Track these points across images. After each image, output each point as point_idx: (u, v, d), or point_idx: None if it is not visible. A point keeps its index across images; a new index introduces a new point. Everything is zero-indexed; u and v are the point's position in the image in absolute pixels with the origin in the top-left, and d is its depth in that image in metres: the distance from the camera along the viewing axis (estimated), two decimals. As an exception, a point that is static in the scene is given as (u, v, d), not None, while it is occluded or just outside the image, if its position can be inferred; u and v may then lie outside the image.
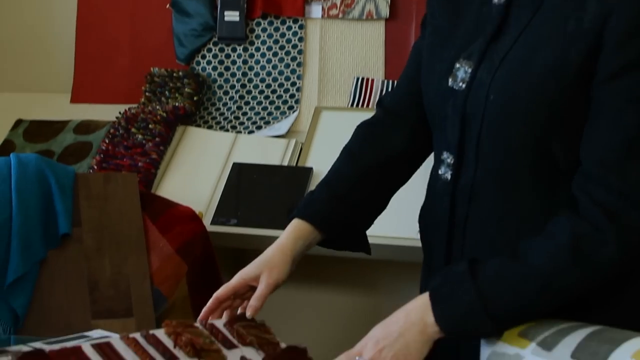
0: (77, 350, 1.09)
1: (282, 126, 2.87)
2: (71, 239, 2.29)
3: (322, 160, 2.70)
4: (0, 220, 2.19)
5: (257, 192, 2.65)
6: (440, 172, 1.43)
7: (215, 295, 1.52)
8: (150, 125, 2.78)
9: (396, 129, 1.61)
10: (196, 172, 2.76)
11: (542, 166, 1.29)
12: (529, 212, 1.31)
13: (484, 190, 1.37)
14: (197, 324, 1.41)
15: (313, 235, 1.57)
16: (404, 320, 1.28)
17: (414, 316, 1.28)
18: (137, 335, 1.17)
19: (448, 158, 1.40)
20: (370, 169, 1.60)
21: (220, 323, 1.45)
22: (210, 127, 2.93)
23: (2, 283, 2.14)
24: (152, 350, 1.17)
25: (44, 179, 2.29)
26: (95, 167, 2.72)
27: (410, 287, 2.82)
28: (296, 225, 1.56)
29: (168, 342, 1.25)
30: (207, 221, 2.53)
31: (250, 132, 2.89)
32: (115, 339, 1.15)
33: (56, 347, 1.07)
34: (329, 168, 2.66)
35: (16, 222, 2.19)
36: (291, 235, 1.56)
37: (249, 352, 1.33)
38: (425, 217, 1.57)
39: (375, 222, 1.69)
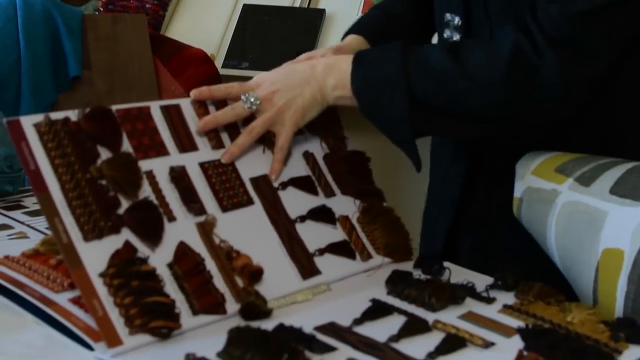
0: (145, 112, 1.05)
1: (294, -35, 2.76)
2: (81, 81, 2.24)
3: (334, 2, 2.62)
4: (9, 62, 2.13)
5: (268, 35, 2.57)
6: (445, 35, 1.35)
7: None
8: (157, -35, 2.68)
9: None
10: (205, 14, 2.68)
11: None
12: None
13: None
14: None
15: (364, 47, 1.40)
16: (310, 72, 1.20)
17: (320, 72, 1.19)
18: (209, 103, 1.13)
19: (453, 20, 1.31)
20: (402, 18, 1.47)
21: None
22: (218, -33, 2.82)
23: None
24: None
25: (51, 19, 2.21)
26: (102, 9, 2.63)
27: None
28: (350, 41, 1.40)
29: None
30: (217, 64, 2.47)
31: (261, -29, 2.78)
32: (184, 102, 1.11)
33: (124, 106, 1.03)
34: (342, 9, 2.61)
35: (25, 65, 2.14)
36: (347, 47, 1.37)
37: (313, 141, 1.24)
38: None
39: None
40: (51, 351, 0.87)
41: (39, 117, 0.96)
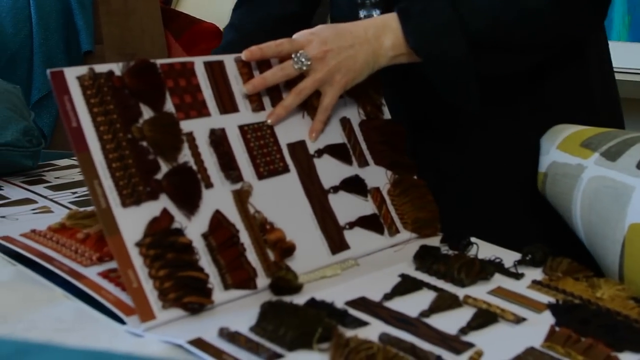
0: (189, 68, 1.02)
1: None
2: (93, 56, 2.23)
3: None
4: (21, 36, 2.12)
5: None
6: (361, 15, 1.34)
7: None
8: (167, -62, 2.66)
9: None
10: (217, -13, 2.66)
11: None
12: None
13: None
14: None
15: None
16: (363, 34, 1.16)
17: (373, 35, 1.16)
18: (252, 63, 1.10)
19: None
20: (256, 34, 1.42)
21: None
22: (229, -59, 2.80)
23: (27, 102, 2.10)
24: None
25: (62, -7, 2.20)
26: (112, -18, 2.61)
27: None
28: None
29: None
30: (230, 39, 2.46)
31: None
32: (228, 59, 1.08)
33: (167, 61, 1.00)
34: None
35: (37, 39, 2.13)
36: None
37: (351, 107, 1.20)
38: None
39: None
40: (82, 325, 0.87)
41: (82, 70, 0.93)
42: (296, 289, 0.95)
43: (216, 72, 1.06)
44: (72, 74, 0.92)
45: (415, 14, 1.18)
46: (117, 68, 0.96)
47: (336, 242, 1.06)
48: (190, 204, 0.94)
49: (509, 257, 1.08)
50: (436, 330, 0.88)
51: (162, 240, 0.89)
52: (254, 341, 0.82)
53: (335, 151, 1.15)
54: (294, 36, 1.15)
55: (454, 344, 0.85)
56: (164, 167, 0.95)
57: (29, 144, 1.35)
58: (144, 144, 0.94)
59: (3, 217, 1.17)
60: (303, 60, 1.12)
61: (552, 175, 1.20)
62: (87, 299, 0.91)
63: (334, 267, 1.02)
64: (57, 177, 1.37)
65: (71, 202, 1.23)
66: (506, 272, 1.05)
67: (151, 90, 0.98)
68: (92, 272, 0.95)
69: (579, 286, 1.02)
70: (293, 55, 1.12)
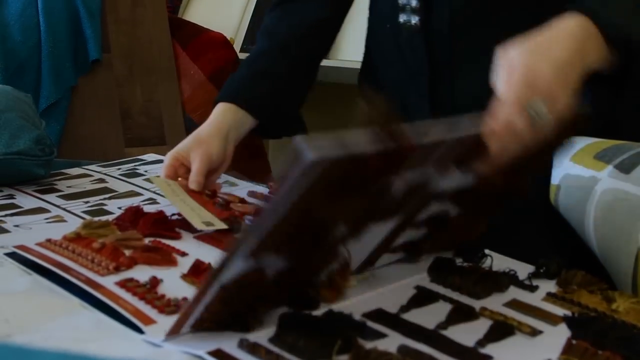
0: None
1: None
2: (101, 65, 2.24)
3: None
4: (30, 45, 2.12)
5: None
6: (401, 20, 1.34)
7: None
8: (174, -53, 2.67)
9: None
10: (223, -3, 2.67)
11: None
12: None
13: (466, 24, 1.28)
14: None
15: (240, 115, 1.40)
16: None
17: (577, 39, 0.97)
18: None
19: (410, 3, 1.30)
20: (288, 41, 1.44)
21: None
22: (235, -50, 2.81)
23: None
24: None
25: (71, 2, 2.20)
26: (119, -9, 2.62)
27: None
28: (221, 109, 1.40)
29: None
30: (236, 48, 2.47)
31: (278, -45, 2.77)
32: None
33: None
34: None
35: (45, 48, 2.13)
36: (219, 117, 1.40)
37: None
38: (389, 74, 1.44)
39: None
40: (101, 335, 0.87)
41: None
42: (315, 303, 0.95)
43: None
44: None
45: (598, 5, 1.00)
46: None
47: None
48: None
49: (523, 270, 1.09)
50: (454, 343, 0.88)
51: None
52: (274, 353, 0.82)
53: None
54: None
55: (472, 356, 0.85)
56: None
57: (41, 153, 1.35)
58: None
59: (17, 226, 1.17)
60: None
61: (565, 187, 1.21)
62: (105, 308, 0.91)
63: (350, 278, 1.02)
64: (69, 186, 1.37)
65: (84, 212, 1.23)
66: (521, 285, 1.05)
67: None
68: (109, 282, 0.95)
69: (594, 299, 1.02)
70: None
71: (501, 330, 0.91)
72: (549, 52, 0.95)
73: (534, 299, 1.01)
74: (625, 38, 0.99)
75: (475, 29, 1.28)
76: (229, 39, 2.37)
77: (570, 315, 0.97)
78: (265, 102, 1.41)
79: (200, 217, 1.15)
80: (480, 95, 0.97)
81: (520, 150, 0.92)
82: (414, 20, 1.31)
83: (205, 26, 2.42)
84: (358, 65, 1.54)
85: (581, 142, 1.23)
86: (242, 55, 2.42)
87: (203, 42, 2.35)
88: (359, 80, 1.54)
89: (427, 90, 1.34)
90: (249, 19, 2.58)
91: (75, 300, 0.94)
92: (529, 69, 0.94)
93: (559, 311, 0.98)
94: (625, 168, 1.15)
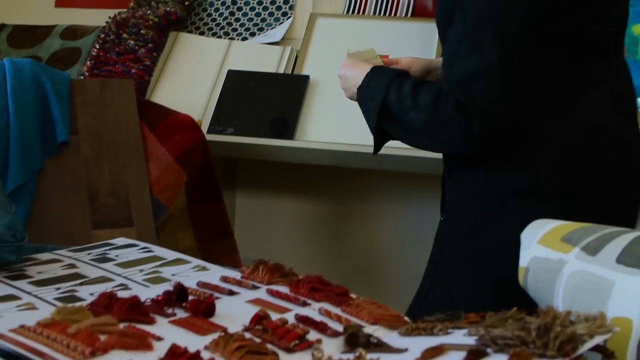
0: None
1: (277, 33, 2.80)
2: (69, 147, 2.24)
3: (318, 68, 2.66)
4: (-2, 127, 2.13)
5: (253, 100, 2.60)
6: None
7: None
8: (142, 31, 2.71)
9: None
10: (190, 79, 2.70)
11: None
12: None
13: None
14: None
15: None
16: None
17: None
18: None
19: None
20: None
21: None
22: (201, 34, 2.86)
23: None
24: None
25: (40, 84, 2.22)
26: (87, 73, 2.64)
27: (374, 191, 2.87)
28: None
29: None
30: (204, 129, 2.49)
31: (244, 38, 2.82)
32: None
33: None
34: (325, 76, 2.64)
35: (14, 130, 2.14)
36: None
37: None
38: None
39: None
40: None
41: None
42: None
43: None
44: None
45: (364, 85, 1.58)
46: None
47: None
48: None
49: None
50: None
51: None
52: None
53: None
54: None
55: None
56: None
57: (13, 239, 1.35)
58: None
59: (-12, 313, 1.16)
60: None
61: (533, 270, 1.23)
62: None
63: None
64: (40, 272, 1.37)
65: (56, 299, 1.23)
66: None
67: None
68: (85, 368, 0.94)
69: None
70: None
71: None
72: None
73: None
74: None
75: None
76: (196, 121, 2.39)
77: None
78: None
79: None
80: None
81: None
82: None
83: (172, 108, 2.44)
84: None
85: (549, 225, 1.25)
86: (210, 137, 2.44)
87: (171, 124, 2.37)
88: None
89: None
90: (216, 101, 2.60)
91: (50, 388, 0.93)
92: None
93: None
94: (591, 250, 1.18)
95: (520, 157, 1.48)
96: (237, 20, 2.87)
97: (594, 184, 1.48)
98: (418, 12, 2.72)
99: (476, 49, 1.41)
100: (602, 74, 1.48)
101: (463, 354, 0.93)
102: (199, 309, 1.14)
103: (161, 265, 1.43)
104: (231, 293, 1.25)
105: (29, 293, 1.26)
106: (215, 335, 1.04)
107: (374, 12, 2.75)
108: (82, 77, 2.63)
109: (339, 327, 1.11)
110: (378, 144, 1.63)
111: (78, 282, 1.32)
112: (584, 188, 1.48)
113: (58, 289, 1.28)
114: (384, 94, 1.53)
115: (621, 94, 1.53)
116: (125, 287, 1.30)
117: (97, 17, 2.89)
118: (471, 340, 0.97)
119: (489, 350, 0.93)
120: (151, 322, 1.11)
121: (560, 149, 1.47)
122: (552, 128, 1.46)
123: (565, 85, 1.47)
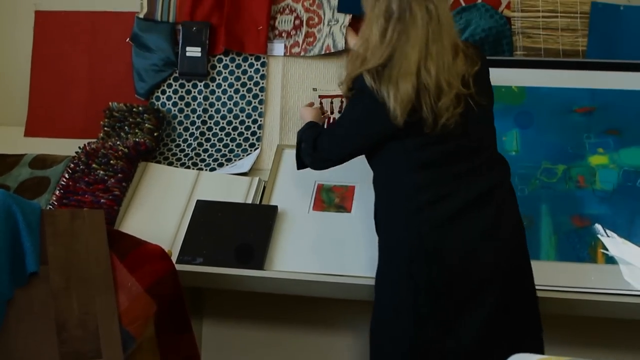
0: None
1: (245, 164, 2.85)
2: (38, 277, 2.22)
3: (286, 199, 2.70)
4: (-33, 258, 2.11)
5: (222, 230, 2.62)
6: None
7: None
8: (111, 161, 2.73)
9: None
10: (159, 209, 2.72)
11: None
12: None
13: None
14: None
15: None
16: None
17: None
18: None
19: None
20: None
21: None
22: (170, 164, 2.90)
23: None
24: None
25: (10, 215, 2.21)
26: (56, 203, 2.65)
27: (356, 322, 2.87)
28: None
29: None
30: (173, 259, 2.48)
31: (212, 169, 2.86)
32: None
33: None
34: (293, 206, 2.67)
35: (-17, 261, 2.12)
36: None
37: None
38: None
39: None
40: None
41: None
42: None
43: None
44: None
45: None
46: None
47: None
48: None
49: None
50: None
51: None
52: None
53: None
54: None
55: None
56: None
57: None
58: None
59: None
60: None
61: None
62: None
63: None
64: None
65: None
66: None
67: None
68: None
69: None
70: None
71: None
72: None
73: None
74: None
75: None
76: (166, 251, 2.39)
77: None
78: None
79: None
80: None
81: None
82: None
83: (141, 237, 2.44)
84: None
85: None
86: (179, 268, 2.44)
87: (141, 255, 2.37)
88: None
89: None
90: (184, 232, 2.62)
91: None
92: None
93: None
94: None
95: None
96: (206, 151, 2.92)
97: None
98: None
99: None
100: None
101: None
102: None
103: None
104: None
105: None
106: None
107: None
108: (50, 207, 2.63)
109: None
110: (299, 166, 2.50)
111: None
112: None
113: None
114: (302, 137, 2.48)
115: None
116: None
117: (66, 147, 2.92)
118: None
119: None
120: None
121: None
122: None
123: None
